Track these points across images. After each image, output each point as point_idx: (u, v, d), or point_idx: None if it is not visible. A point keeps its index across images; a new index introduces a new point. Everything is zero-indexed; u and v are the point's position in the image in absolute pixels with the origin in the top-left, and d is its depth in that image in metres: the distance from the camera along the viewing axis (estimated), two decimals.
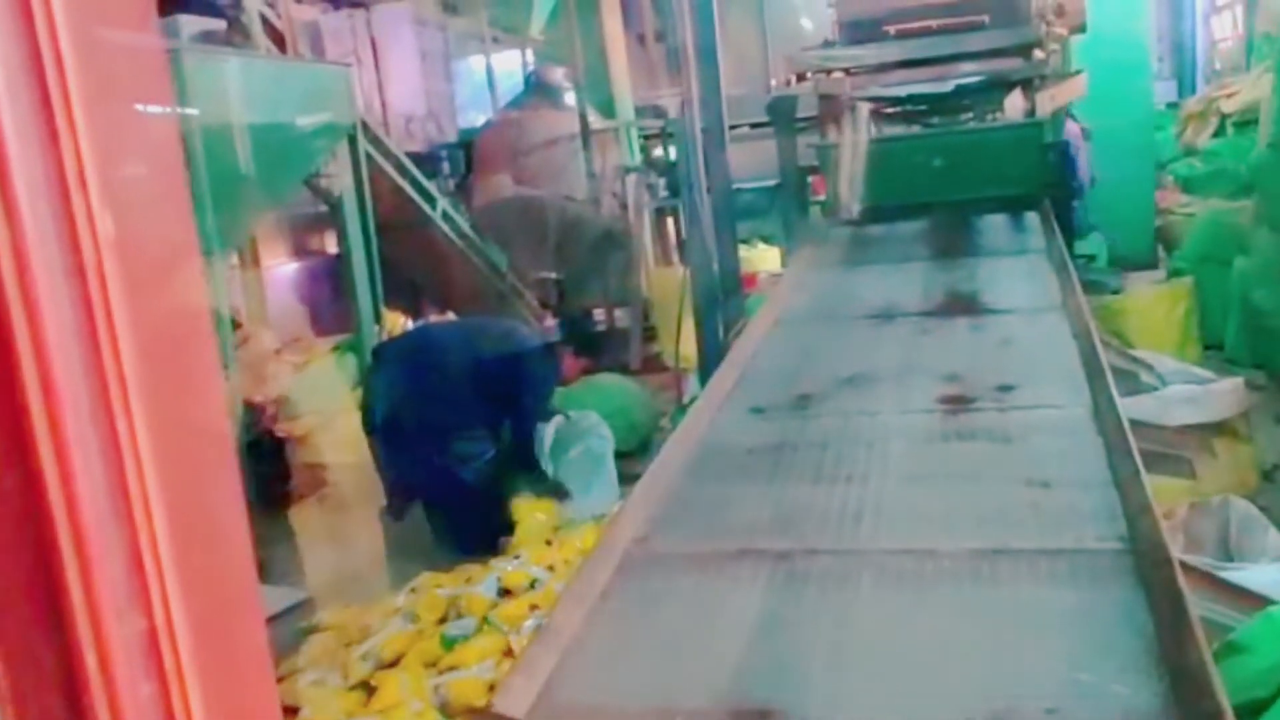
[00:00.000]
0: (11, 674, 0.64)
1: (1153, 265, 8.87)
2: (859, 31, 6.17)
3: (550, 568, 4.21)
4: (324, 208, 7.07)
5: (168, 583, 0.68)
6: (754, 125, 8.75)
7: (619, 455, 5.50)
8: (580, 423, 5.40)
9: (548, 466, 5.14)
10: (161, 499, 0.68)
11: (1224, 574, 2.72)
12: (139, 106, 0.72)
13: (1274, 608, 2.35)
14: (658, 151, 9.36)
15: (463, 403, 5.04)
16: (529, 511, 4.75)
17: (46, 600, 0.64)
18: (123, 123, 0.70)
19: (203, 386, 0.76)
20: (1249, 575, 2.75)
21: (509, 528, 5.00)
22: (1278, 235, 6.14)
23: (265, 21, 6.23)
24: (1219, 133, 8.76)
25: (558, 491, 5.03)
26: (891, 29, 6.02)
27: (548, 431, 5.23)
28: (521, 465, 5.10)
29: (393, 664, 3.70)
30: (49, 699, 0.65)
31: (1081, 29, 6.35)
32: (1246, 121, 7.89)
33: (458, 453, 4.97)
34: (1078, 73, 6.53)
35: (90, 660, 0.64)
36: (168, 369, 0.71)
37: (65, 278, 0.65)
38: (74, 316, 0.65)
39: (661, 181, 8.76)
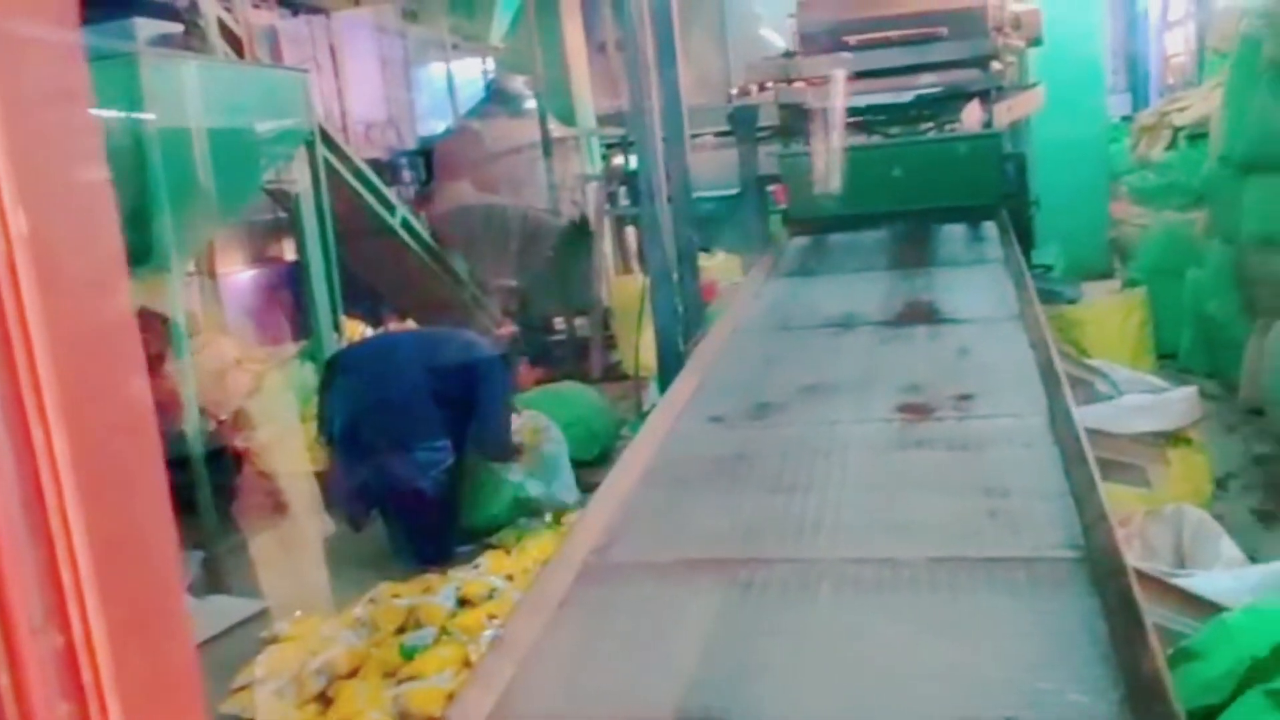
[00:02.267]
0: None
1: (1108, 275, 8.99)
2: (820, 42, 6.20)
3: (509, 577, 4.19)
4: (283, 214, 7.00)
5: (87, 597, 0.65)
6: (715, 134, 8.78)
7: (579, 463, 5.49)
8: (533, 423, 5.40)
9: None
10: (80, 509, 0.65)
11: (1178, 581, 2.74)
12: (57, 105, 0.70)
13: (1227, 614, 2.37)
14: (618, 160, 9.36)
15: (419, 412, 5.00)
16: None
17: None
18: (40, 121, 0.68)
19: (126, 391, 0.73)
20: (1202, 582, 2.77)
21: (467, 537, 4.97)
22: (1229, 247, 6.24)
23: (222, 26, 6.16)
24: (1172, 146, 8.86)
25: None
26: (852, 40, 6.05)
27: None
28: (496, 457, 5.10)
29: (351, 674, 3.66)
30: None
31: (1038, 42, 6.43)
32: (1198, 135, 8.00)
33: (415, 462, 4.93)
34: (1035, 85, 6.61)
35: (2, 679, 0.62)
36: (88, 373, 0.69)
37: None
38: None
39: (622, 190, 8.76)
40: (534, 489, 5.08)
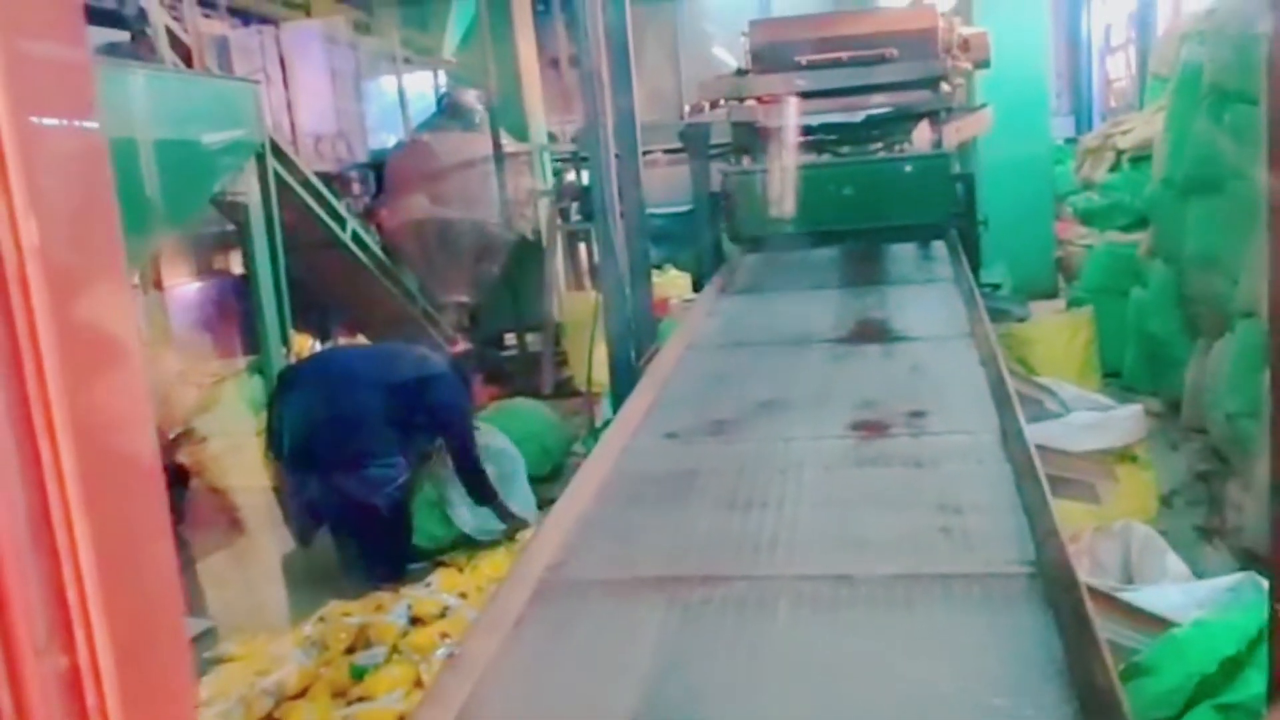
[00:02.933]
0: None
1: (1053, 295, 9.12)
2: (771, 61, 6.25)
3: (463, 595, 4.15)
4: (231, 226, 6.91)
5: (92, 617, 0.63)
6: (667, 151, 8.82)
7: (531, 479, 5.47)
8: (490, 441, 5.36)
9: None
10: (87, 526, 0.63)
11: (1127, 597, 2.78)
12: (68, 119, 0.69)
13: (1176, 630, 2.41)
14: (571, 176, 9.36)
15: (370, 429, 4.95)
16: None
17: None
18: (49, 133, 0.67)
19: (130, 404, 0.72)
20: (1150, 597, 2.81)
21: (419, 554, 4.92)
22: (1171, 267, 6.36)
23: (171, 35, 6.08)
24: (1115, 168, 9.05)
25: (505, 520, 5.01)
26: (803, 59, 6.11)
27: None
28: (472, 487, 5.03)
29: (300, 695, 3.60)
30: None
31: (985, 64, 6.52)
32: (1141, 157, 8.17)
33: (365, 479, 4.88)
34: (983, 107, 6.71)
35: (4, 700, 0.59)
36: (95, 386, 0.67)
37: None
38: None
39: (574, 206, 8.76)
40: (481, 531, 5.02)
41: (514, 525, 4.99)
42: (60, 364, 0.63)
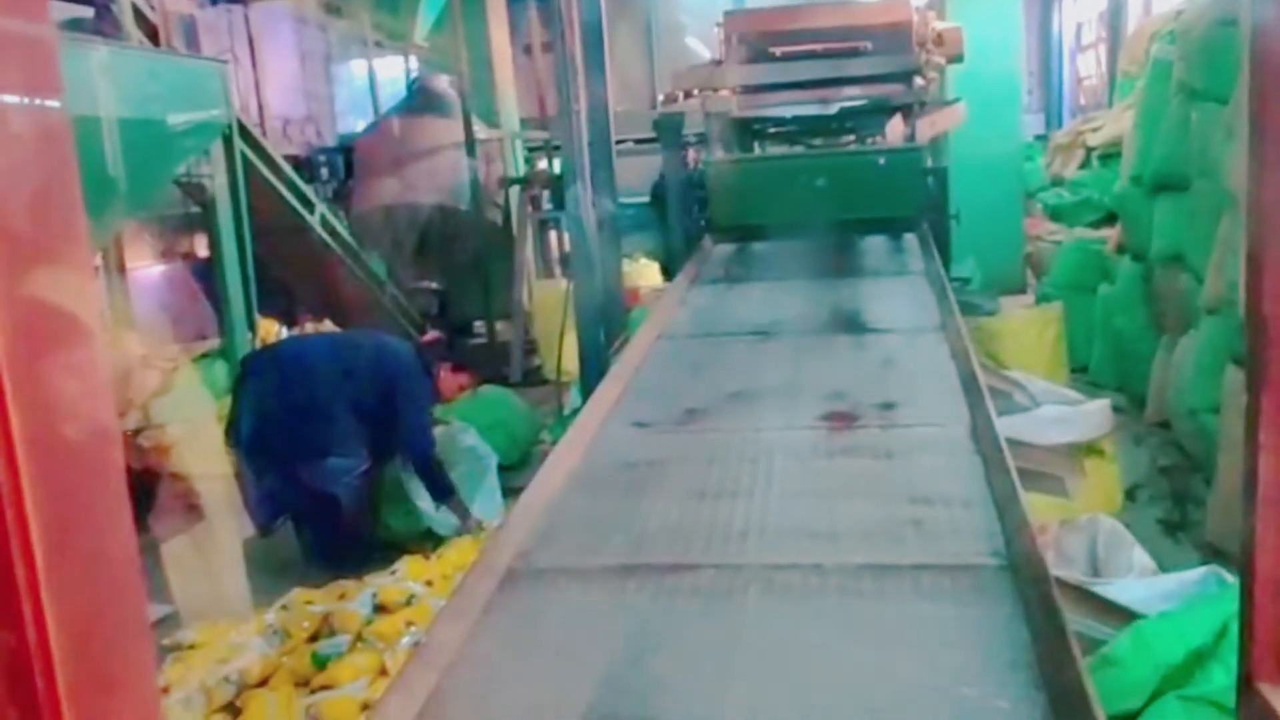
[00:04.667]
0: None
1: (1021, 290, 9.18)
2: (745, 52, 6.24)
3: (428, 583, 4.11)
4: (196, 209, 6.82)
5: (42, 596, 0.60)
6: (639, 141, 8.80)
7: (499, 468, 5.43)
8: (460, 438, 5.31)
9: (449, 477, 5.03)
10: (38, 502, 0.60)
11: (1094, 589, 2.79)
12: (28, 95, 0.67)
13: (1143, 622, 2.42)
14: (542, 164, 9.32)
15: (333, 417, 4.90)
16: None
17: None
18: (10, 110, 0.66)
19: (86, 382, 0.69)
20: (1116, 590, 2.83)
21: (381, 544, 4.88)
22: (1139, 264, 6.42)
23: (138, 13, 5.98)
24: (1085, 165, 9.12)
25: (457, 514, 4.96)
26: (778, 51, 6.10)
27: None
28: (429, 482, 4.98)
29: (261, 683, 3.56)
30: None
31: (959, 59, 6.54)
32: (1110, 155, 8.23)
33: (327, 468, 4.83)
34: (957, 101, 6.72)
35: None
36: (52, 366, 0.65)
37: None
38: None
39: (545, 194, 8.72)
40: (443, 525, 4.98)
41: (471, 526, 4.92)
42: (14, 341, 0.61)
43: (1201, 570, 2.94)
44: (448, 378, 5.41)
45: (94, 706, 0.64)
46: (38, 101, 0.70)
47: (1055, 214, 9.08)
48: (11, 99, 0.67)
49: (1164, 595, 2.75)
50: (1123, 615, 2.56)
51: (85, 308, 0.72)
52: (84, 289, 0.73)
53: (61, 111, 0.72)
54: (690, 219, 6.32)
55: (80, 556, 0.65)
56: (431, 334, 6.96)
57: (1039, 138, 12.58)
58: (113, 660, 0.69)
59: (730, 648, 2.00)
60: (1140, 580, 2.96)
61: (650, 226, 8.32)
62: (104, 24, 5.72)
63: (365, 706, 3.26)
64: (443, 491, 4.97)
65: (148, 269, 7.86)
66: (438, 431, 5.24)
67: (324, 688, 3.49)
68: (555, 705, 1.86)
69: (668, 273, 7.93)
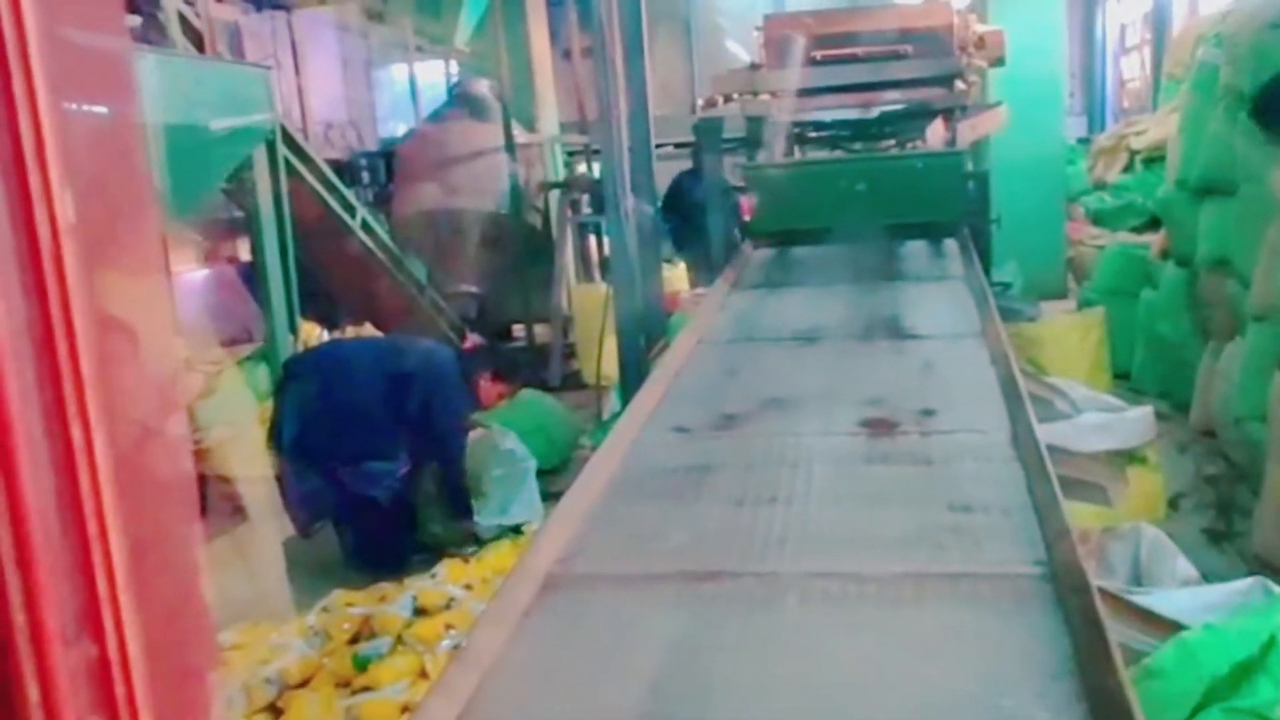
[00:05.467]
0: None
1: (1062, 295, 9.10)
2: (785, 55, 6.23)
3: (468, 586, 4.14)
4: (239, 213, 6.91)
5: (122, 606, 0.61)
6: (678, 145, 8.81)
7: (538, 473, 5.45)
8: (500, 442, 5.33)
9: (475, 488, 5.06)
10: (118, 512, 0.61)
11: (1136, 599, 2.77)
12: (105, 102, 0.69)
13: (1186, 633, 2.40)
14: (582, 168, 9.35)
15: (373, 422, 4.94)
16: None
17: None
18: (87, 118, 0.67)
19: (161, 387, 0.71)
20: (1160, 600, 2.80)
21: (421, 547, 4.91)
22: (1183, 269, 6.34)
23: (184, 20, 6.07)
24: (1128, 168, 9.02)
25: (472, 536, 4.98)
26: (818, 54, 6.08)
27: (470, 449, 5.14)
28: (449, 497, 5.02)
29: (302, 684, 3.60)
30: None
31: (1000, 62, 6.49)
32: (1155, 159, 8.15)
33: (369, 471, 4.87)
34: (998, 104, 6.68)
35: (32, 692, 0.58)
36: (127, 367, 0.66)
37: (17, 262, 0.59)
38: (25, 304, 0.59)
39: (585, 198, 8.75)
40: (484, 524, 5.00)
41: (467, 548, 4.93)
42: (92, 344, 0.62)
43: (1247, 581, 2.90)
44: (488, 386, 5.43)
45: (167, 710, 0.66)
46: (114, 108, 0.72)
47: (1097, 218, 8.99)
48: (91, 107, 0.69)
49: (1208, 606, 2.72)
50: (1166, 626, 2.54)
51: (158, 309, 0.74)
52: (157, 290, 0.75)
53: (136, 118, 0.74)
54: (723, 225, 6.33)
55: (154, 566, 0.67)
56: (471, 341, 6.99)
57: (1081, 141, 12.45)
58: (183, 663, 0.70)
59: (768, 655, 2.00)
60: (1184, 591, 2.93)
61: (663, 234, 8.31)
62: (150, 31, 5.81)
63: (405, 709, 3.29)
64: (460, 509, 5.01)
65: (192, 272, 7.97)
66: (476, 435, 5.27)
67: (364, 689, 3.52)
68: (593, 710, 1.87)
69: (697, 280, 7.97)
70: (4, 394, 0.57)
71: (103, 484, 0.61)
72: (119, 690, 0.62)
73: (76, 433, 0.60)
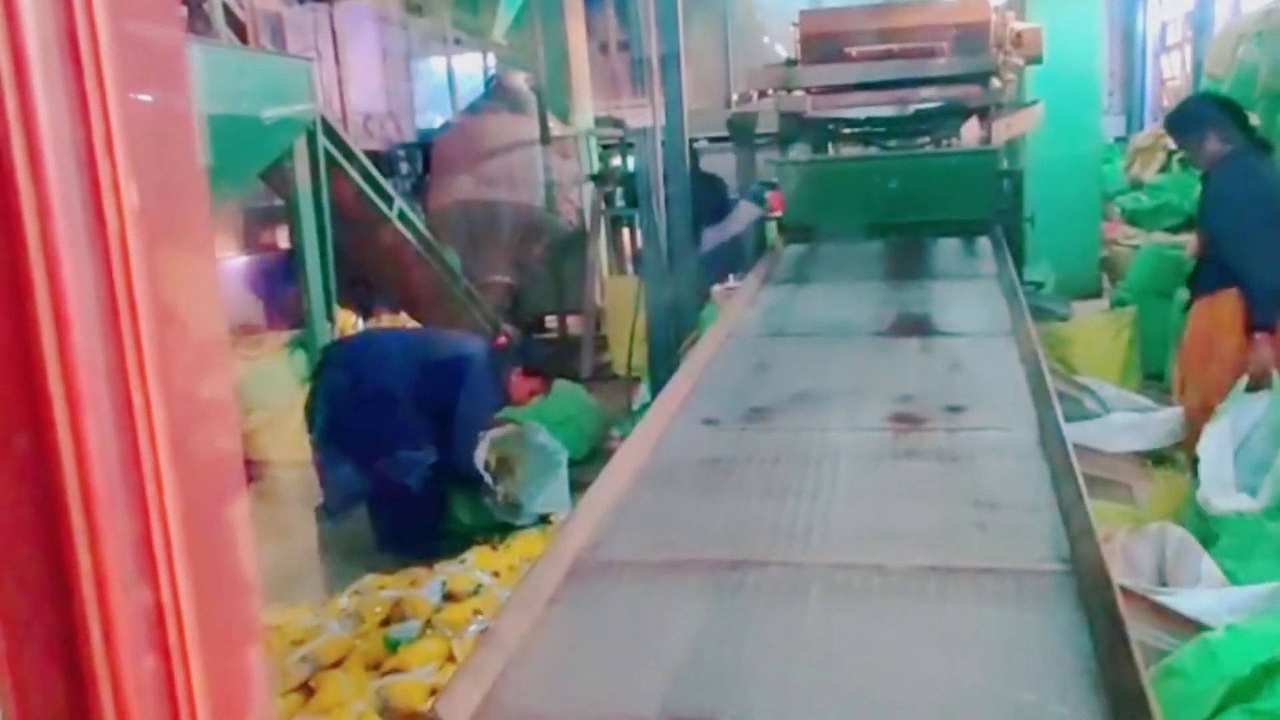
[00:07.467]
0: (12, 642, 0.64)
1: (1096, 294, 9.03)
2: (821, 51, 6.23)
3: (496, 573, 4.19)
4: (278, 201, 7.00)
5: (175, 557, 0.68)
6: (712, 139, 8.82)
7: (568, 463, 5.49)
8: (531, 436, 5.38)
9: (487, 479, 5.10)
10: (172, 472, 0.68)
11: (1160, 598, 2.78)
12: (163, 91, 0.74)
13: (1209, 634, 2.41)
14: (616, 161, 9.38)
15: (406, 410, 5.00)
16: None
17: (52, 568, 0.64)
18: (148, 107, 0.72)
19: (214, 361, 0.77)
20: (1183, 600, 2.81)
21: (450, 534, 4.97)
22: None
23: (228, 11, 6.16)
24: (1165, 168, 8.95)
25: (504, 509, 5.02)
26: (853, 51, 6.09)
27: (483, 444, 5.18)
28: (460, 481, 5.07)
29: (335, 665, 3.66)
30: (49, 669, 0.65)
31: (1038, 60, 6.46)
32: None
33: (400, 459, 4.93)
34: (1034, 103, 6.65)
35: (95, 632, 0.64)
36: (182, 341, 0.72)
37: (89, 244, 0.65)
38: (95, 283, 0.65)
39: (619, 191, 8.78)
40: (504, 511, 5.05)
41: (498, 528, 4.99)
42: (152, 319, 0.68)
43: (1272, 584, 2.90)
44: (519, 382, 5.45)
45: (215, 654, 0.72)
46: (170, 98, 0.76)
47: (1133, 218, 8.92)
48: (145, 97, 0.73)
49: (1232, 607, 2.73)
50: (1187, 625, 2.55)
51: (212, 286, 0.80)
52: (211, 270, 0.81)
53: (190, 107, 0.79)
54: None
55: (205, 523, 0.73)
56: (503, 336, 7.03)
57: (1119, 140, 12.34)
58: (230, 615, 0.77)
59: (791, 645, 2.04)
60: (1208, 591, 2.94)
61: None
62: (195, 22, 5.90)
63: (434, 691, 3.35)
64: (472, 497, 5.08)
65: (231, 259, 8.07)
66: (507, 430, 5.32)
67: (394, 671, 3.58)
68: (617, 695, 1.92)
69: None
70: (73, 364, 0.63)
71: (160, 447, 0.67)
72: (171, 634, 0.68)
73: (137, 400, 0.66)
